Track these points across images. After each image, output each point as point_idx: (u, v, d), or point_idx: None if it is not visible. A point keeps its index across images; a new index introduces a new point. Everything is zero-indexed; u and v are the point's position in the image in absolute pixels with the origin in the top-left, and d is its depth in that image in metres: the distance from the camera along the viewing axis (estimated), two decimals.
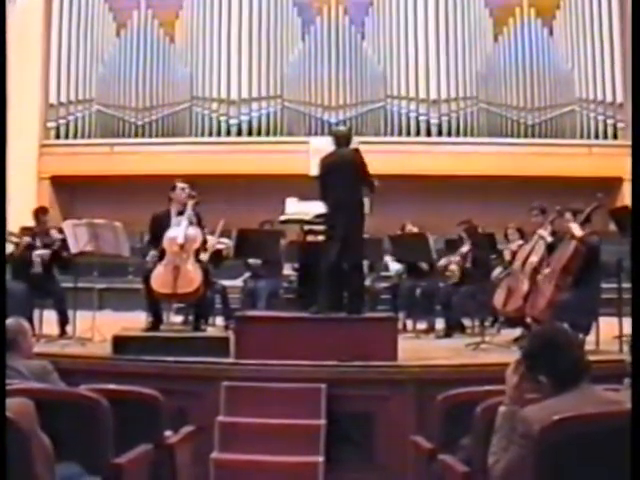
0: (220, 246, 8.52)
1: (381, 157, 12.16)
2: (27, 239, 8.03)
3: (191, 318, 7.83)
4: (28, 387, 4.14)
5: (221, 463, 5.90)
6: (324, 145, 7.25)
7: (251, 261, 9.35)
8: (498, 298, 7.69)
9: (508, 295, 7.55)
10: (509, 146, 13.24)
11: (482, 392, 4.21)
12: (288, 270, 9.16)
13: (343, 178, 6.75)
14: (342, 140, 7.03)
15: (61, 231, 8.04)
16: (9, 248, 7.93)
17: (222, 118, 13.73)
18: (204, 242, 7.65)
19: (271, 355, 6.40)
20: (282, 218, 7.71)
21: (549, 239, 7.40)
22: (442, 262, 9.20)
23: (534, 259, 7.41)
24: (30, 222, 8.95)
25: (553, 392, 3.09)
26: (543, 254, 7.35)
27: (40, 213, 8.42)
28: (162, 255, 7.25)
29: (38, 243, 8.03)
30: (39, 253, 7.98)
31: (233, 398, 6.16)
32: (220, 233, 8.55)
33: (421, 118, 13.58)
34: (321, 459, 5.87)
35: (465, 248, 8.94)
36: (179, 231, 7.26)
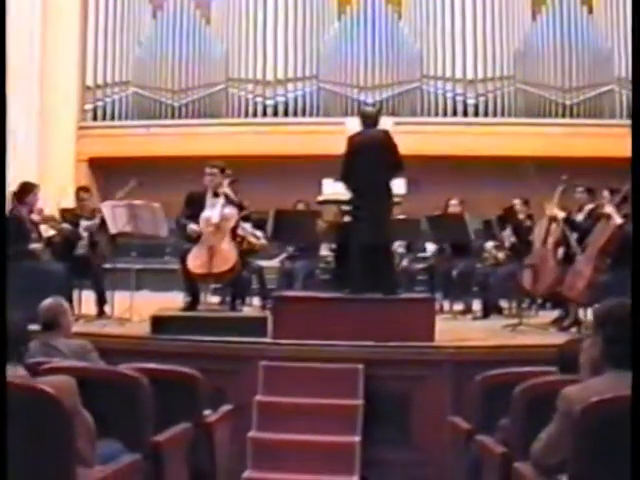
0: (253, 240, 8.53)
1: (417, 138, 12.14)
2: (66, 225, 8.08)
3: (228, 298, 7.83)
4: (69, 365, 4.23)
5: (259, 442, 5.94)
6: (360, 126, 7.18)
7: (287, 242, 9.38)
8: (526, 278, 7.72)
9: (535, 275, 7.56)
10: (546, 126, 13.08)
11: (521, 373, 4.22)
12: (325, 251, 9.16)
13: (370, 159, 6.73)
14: (370, 120, 7.00)
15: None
16: (49, 232, 7.96)
17: (258, 99, 13.72)
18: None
19: (308, 335, 6.42)
20: (320, 198, 7.70)
21: (579, 218, 7.42)
22: (488, 246, 9.13)
23: (551, 240, 7.46)
24: (69, 204, 9.06)
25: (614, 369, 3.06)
26: (559, 234, 7.38)
27: (82, 192, 8.46)
28: (198, 236, 7.26)
29: (83, 223, 8.06)
30: (87, 225, 8.00)
31: (271, 378, 6.20)
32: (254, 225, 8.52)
33: (458, 98, 13.46)
34: (358, 439, 5.89)
35: (506, 232, 8.87)
36: (214, 211, 7.29)
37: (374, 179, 6.74)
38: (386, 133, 6.91)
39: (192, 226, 7.29)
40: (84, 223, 8.03)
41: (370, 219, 6.71)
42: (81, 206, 8.26)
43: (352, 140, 6.89)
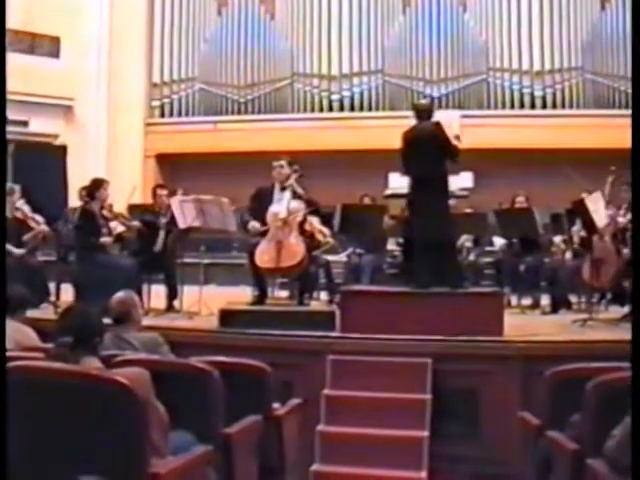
0: (320, 237, 8.56)
1: (484, 131, 12.05)
2: (136, 223, 8.19)
3: (296, 292, 7.87)
4: (142, 358, 4.28)
5: (327, 436, 5.96)
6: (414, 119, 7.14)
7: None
8: (585, 272, 7.61)
9: (597, 268, 7.44)
10: (616, 118, 12.83)
11: (592, 369, 4.14)
12: (391, 245, 9.14)
13: (424, 152, 6.72)
14: (423, 113, 6.98)
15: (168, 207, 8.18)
16: (118, 229, 8.06)
17: (323, 94, 13.77)
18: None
19: (376, 329, 6.42)
20: (387, 192, 7.70)
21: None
22: (557, 240, 9.01)
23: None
24: (137, 200, 9.20)
25: None
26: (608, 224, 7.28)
27: (158, 188, 8.57)
28: (265, 231, 7.31)
29: (161, 220, 8.16)
30: (164, 221, 8.07)
31: (339, 371, 6.21)
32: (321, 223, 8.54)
33: (525, 90, 13.30)
34: (426, 434, 5.86)
35: (575, 227, 8.73)
36: (282, 205, 7.32)
37: (427, 173, 6.73)
38: (436, 125, 6.88)
39: (254, 223, 7.35)
40: (163, 220, 8.13)
41: (427, 213, 6.71)
42: (159, 203, 8.35)
43: (405, 135, 6.89)
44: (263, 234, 7.30)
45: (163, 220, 8.12)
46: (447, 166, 6.82)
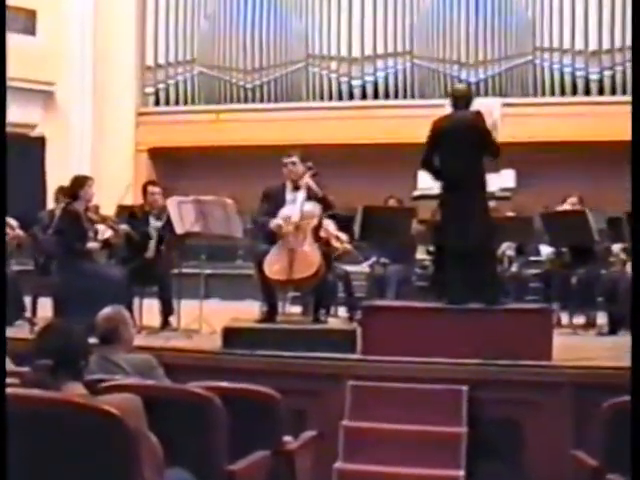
0: (336, 244, 8.57)
1: (529, 121, 12.03)
2: (124, 227, 8.23)
3: (311, 308, 7.85)
4: (133, 383, 4.29)
5: (346, 474, 5.96)
6: (450, 107, 7.17)
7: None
8: None
9: None
10: None
11: None
12: (421, 254, 9.13)
13: (460, 146, 6.72)
14: (461, 100, 6.97)
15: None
16: (106, 233, 8.11)
17: (343, 79, 13.79)
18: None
19: (403, 351, 6.43)
20: (415, 194, 7.69)
21: None
22: (615, 248, 8.98)
23: None
24: (127, 200, 9.22)
25: None
26: None
27: (150, 186, 8.61)
28: (274, 239, 7.33)
29: (153, 222, 8.22)
30: (157, 225, 8.14)
31: (360, 399, 6.22)
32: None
33: (578, 73, 13.27)
34: (461, 473, 5.85)
35: None
36: (294, 208, 7.35)
37: (462, 170, 6.72)
38: (477, 115, 6.88)
39: (277, 221, 7.31)
40: (154, 223, 8.19)
41: (462, 217, 6.71)
42: (150, 203, 8.38)
43: (436, 125, 6.88)
44: (273, 240, 7.31)
45: (156, 223, 8.18)
46: (484, 163, 6.83)
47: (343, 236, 8.73)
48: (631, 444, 2.82)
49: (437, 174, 6.96)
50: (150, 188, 8.51)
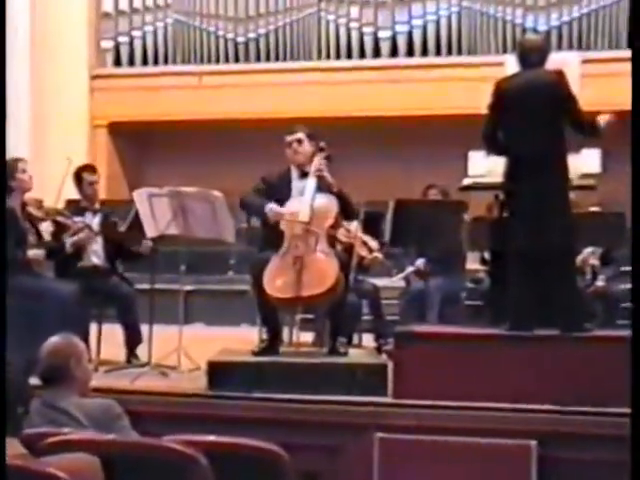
0: (363, 252, 8.58)
1: (617, 83, 11.87)
2: (80, 219, 8.23)
3: (326, 335, 7.80)
4: (88, 438, 4.25)
5: None
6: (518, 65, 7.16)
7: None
8: None
9: None
10: None
11: None
12: (473, 263, 9.11)
13: (533, 117, 6.72)
14: (532, 56, 6.96)
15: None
16: (49, 230, 8.16)
17: (366, 30, 13.74)
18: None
19: (450, 393, 6.42)
20: (466, 182, 7.64)
21: None
22: None
23: None
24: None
25: None
26: None
27: (85, 173, 8.57)
28: (276, 240, 7.33)
29: (88, 220, 8.23)
30: (73, 240, 8.07)
31: (391, 457, 6.22)
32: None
33: None
34: None
35: None
36: (302, 203, 7.35)
37: (537, 149, 6.71)
38: (557, 76, 6.85)
39: (273, 206, 7.29)
40: (93, 219, 8.23)
41: (532, 214, 6.70)
42: (87, 196, 8.41)
43: (501, 87, 6.89)
44: (277, 244, 7.28)
45: (93, 219, 8.23)
46: (565, 139, 6.79)
47: (371, 241, 8.74)
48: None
49: (502, 154, 6.95)
50: (86, 176, 8.50)
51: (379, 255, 8.81)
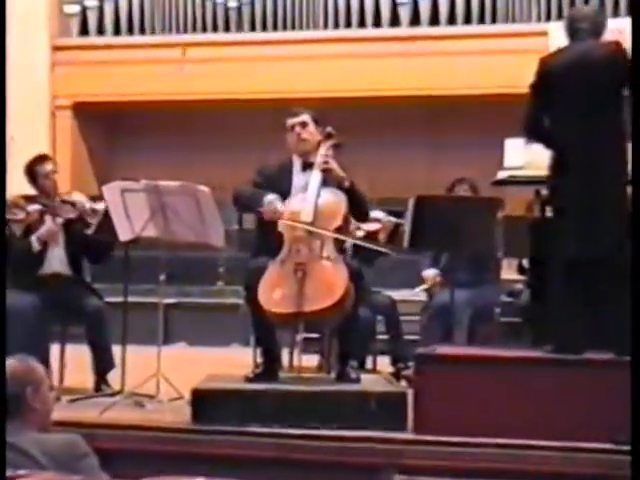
0: (373, 226, 8.60)
1: None
2: (20, 215, 8.20)
3: (333, 358, 7.91)
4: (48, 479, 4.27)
5: None
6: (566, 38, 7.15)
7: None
8: None
9: None
10: None
11: None
12: (509, 272, 9.08)
13: (585, 98, 6.71)
14: (584, 27, 6.94)
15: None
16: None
17: None
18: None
19: (481, 428, 6.44)
20: (499, 176, 7.62)
21: None
22: None
23: None
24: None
25: None
26: None
27: (37, 165, 8.54)
28: (275, 242, 7.31)
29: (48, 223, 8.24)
30: (39, 234, 8.13)
31: None
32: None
33: None
34: None
35: None
36: (305, 200, 7.36)
37: (590, 138, 6.70)
38: (614, 48, 6.84)
39: (272, 197, 7.27)
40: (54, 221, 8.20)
41: (583, 213, 6.69)
42: (44, 189, 8.38)
43: (546, 64, 6.90)
44: (275, 249, 7.27)
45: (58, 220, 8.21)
46: (625, 123, 6.72)
47: (379, 213, 8.86)
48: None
49: (546, 142, 6.92)
50: (39, 168, 8.49)
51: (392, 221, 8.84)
